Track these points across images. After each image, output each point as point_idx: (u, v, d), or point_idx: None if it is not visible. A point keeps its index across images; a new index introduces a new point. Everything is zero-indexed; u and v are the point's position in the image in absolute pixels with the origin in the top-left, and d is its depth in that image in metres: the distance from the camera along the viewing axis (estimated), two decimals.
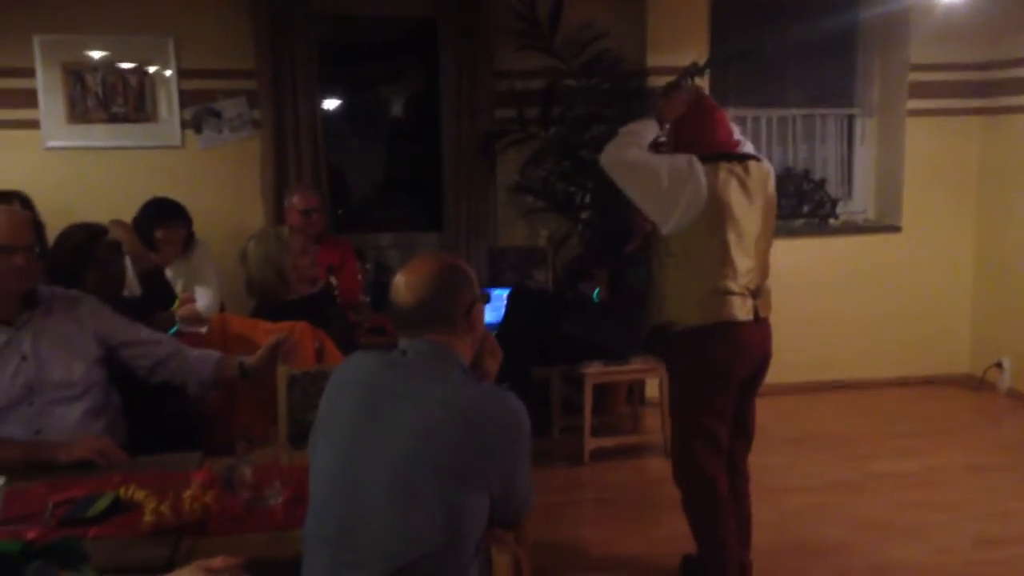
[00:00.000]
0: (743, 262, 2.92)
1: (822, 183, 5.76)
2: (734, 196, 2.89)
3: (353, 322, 3.96)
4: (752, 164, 2.99)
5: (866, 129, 5.86)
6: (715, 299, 2.91)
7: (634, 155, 2.95)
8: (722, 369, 2.96)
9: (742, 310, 2.92)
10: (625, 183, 2.97)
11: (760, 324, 2.99)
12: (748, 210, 2.92)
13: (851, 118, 5.87)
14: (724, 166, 2.90)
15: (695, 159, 2.88)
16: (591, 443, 4.50)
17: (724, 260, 2.90)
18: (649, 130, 3.04)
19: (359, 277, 4.47)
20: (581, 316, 4.56)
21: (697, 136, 2.99)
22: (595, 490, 4.29)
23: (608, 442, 4.63)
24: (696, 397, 3.02)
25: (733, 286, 2.91)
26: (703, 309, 2.93)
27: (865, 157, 5.88)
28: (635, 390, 5.11)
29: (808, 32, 5.51)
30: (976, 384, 5.68)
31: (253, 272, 3.16)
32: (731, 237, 2.89)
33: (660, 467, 4.53)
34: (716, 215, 2.87)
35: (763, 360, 3.06)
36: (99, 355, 2.64)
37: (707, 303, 2.92)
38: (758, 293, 2.98)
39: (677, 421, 3.12)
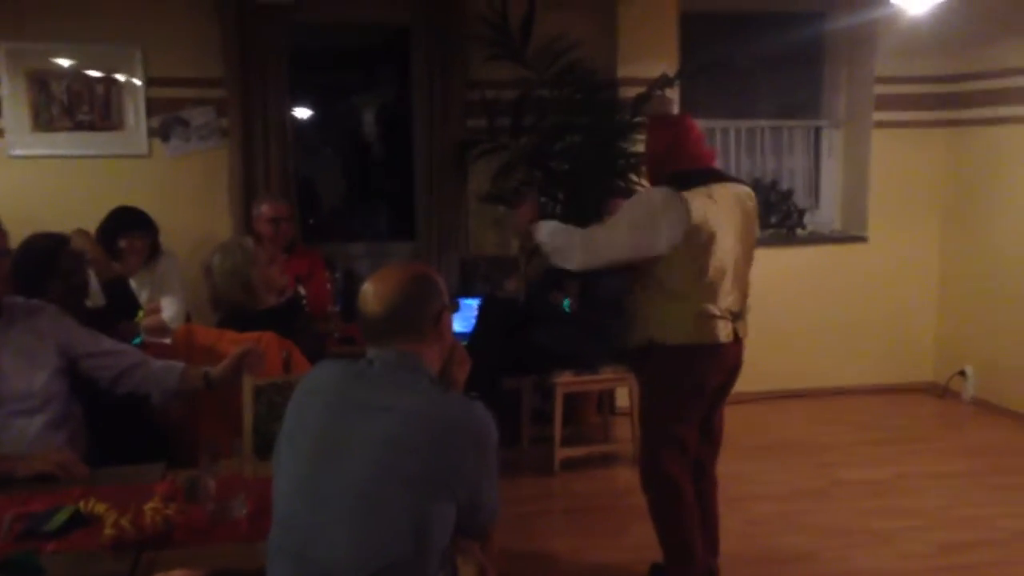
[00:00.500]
0: (723, 286, 2.95)
1: (790, 194, 5.81)
2: (713, 220, 2.90)
3: (323, 332, 3.94)
4: (729, 186, 3.02)
5: (833, 141, 5.93)
6: (697, 322, 2.94)
7: (590, 240, 3.05)
8: (698, 383, 3.01)
9: (723, 332, 2.96)
10: (606, 257, 3.03)
11: (737, 342, 3.04)
12: (727, 234, 2.94)
13: (818, 130, 5.94)
14: (702, 191, 2.91)
15: (668, 193, 2.89)
16: (561, 453, 4.50)
17: (705, 285, 2.92)
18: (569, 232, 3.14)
19: (328, 287, 4.45)
20: (552, 326, 4.56)
21: (670, 153, 3.02)
22: (565, 500, 4.29)
23: (578, 452, 4.63)
24: (669, 408, 3.06)
25: (714, 310, 2.94)
26: (684, 331, 2.96)
27: (832, 168, 5.95)
28: (605, 400, 5.12)
29: (776, 45, 5.58)
30: (940, 392, 5.76)
31: (219, 285, 3.12)
32: (712, 262, 2.91)
33: (630, 476, 4.52)
34: (696, 241, 2.88)
35: (734, 370, 3.11)
36: (60, 366, 2.61)
37: (689, 326, 2.95)
38: (739, 316, 3.02)
39: (647, 429, 3.15)
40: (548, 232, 3.17)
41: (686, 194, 2.87)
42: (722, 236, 2.92)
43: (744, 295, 3.07)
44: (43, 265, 2.98)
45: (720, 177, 3.06)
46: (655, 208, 2.90)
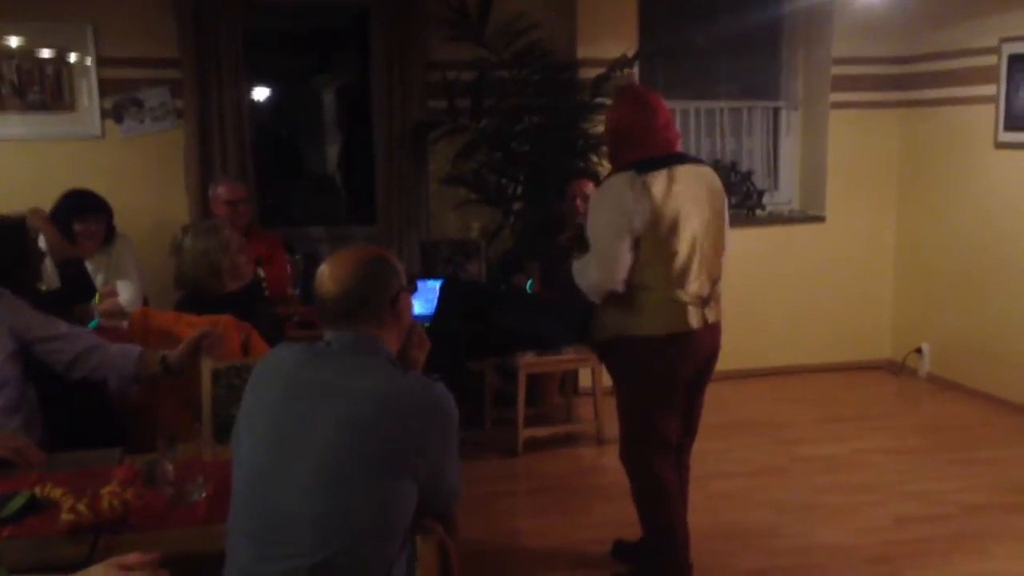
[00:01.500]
0: (691, 271, 2.90)
1: (749, 175, 5.86)
2: (676, 204, 2.84)
3: (282, 315, 3.90)
4: (691, 167, 2.96)
5: (791, 121, 5.98)
6: (666, 310, 2.90)
7: (594, 265, 2.96)
8: (671, 373, 2.97)
9: (694, 319, 2.92)
10: (617, 269, 2.92)
11: (710, 328, 2.99)
12: (690, 216, 2.88)
13: (776, 111, 5.99)
14: (663, 173, 2.84)
15: (630, 179, 2.83)
16: (524, 433, 4.51)
17: (672, 271, 2.88)
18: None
19: (288, 269, 4.41)
20: (514, 308, 4.56)
21: (634, 132, 2.94)
22: (529, 480, 4.31)
23: (541, 432, 4.65)
24: (644, 400, 3.03)
25: (683, 296, 2.90)
26: (654, 320, 2.91)
27: (790, 149, 6.01)
28: (568, 380, 5.14)
29: (736, 26, 5.60)
30: (897, 369, 5.86)
31: (187, 266, 3.07)
32: (678, 247, 2.86)
33: (593, 455, 4.57)
34: (660, 227, 2.83)
35: (710, 359, 3.08)
36: (14, 350, 2.56)
37: (658, 314, 2.90)
38: (707, 301, 2.97)
39: (624, 423, 3.11)
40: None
41: (647, 178, 2.82)
42: (686, 219, 2.86)
43: (713, 279, 2.99)
44: (18, 251, 2.91)
45: (682, 159, 2.99)
46: (624, 200, 2.83)
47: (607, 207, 2.90)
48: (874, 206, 5.84)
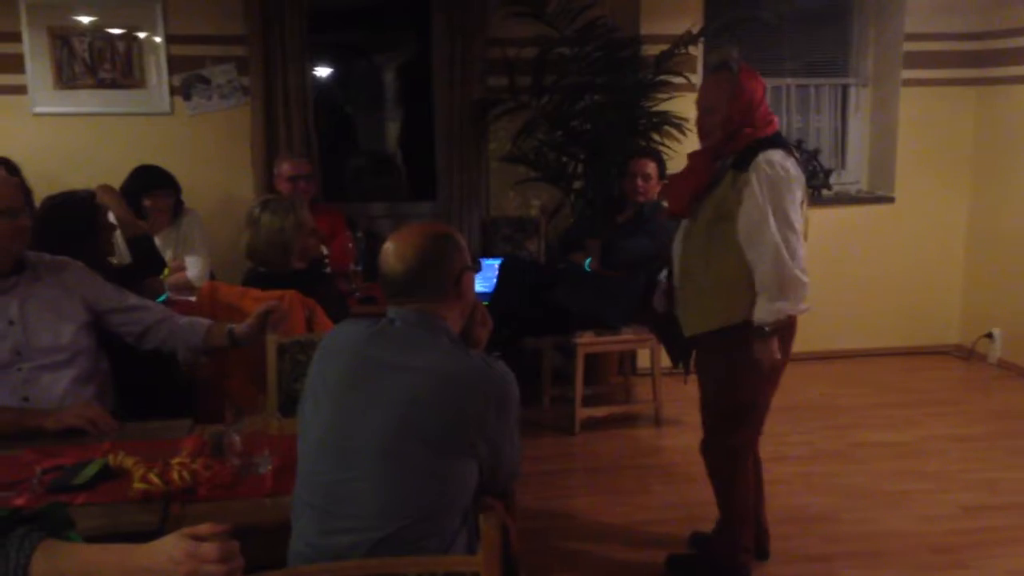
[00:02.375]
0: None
1: (816, 154, 5.74)
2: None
3: (344, 291, 3.95)
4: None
5: (860, 99, 5.83)
6: (804, 289, 2.78)
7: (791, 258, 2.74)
8: (786, 353, 2.89)
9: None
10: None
11: None
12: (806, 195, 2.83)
13: (845, 88, 5.84)
14: (792, 151, 2.80)
15: (788, 157, 2.74)
16: (582, 413, 4.51)
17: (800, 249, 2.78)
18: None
19: (350, 246, 4.45)
20: (573, 286, 4.56)
21: (763, 108, 2.80)
22: (585, 460, 4.31)
23: (599, 412, 4.64)
24: (762, 389, 2.91)
25: (805, 276, 2.81)
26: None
27: (859, 127, 5.86)
28: (626, 360, 5.12)
29: (804, 1, 5.46)
30: (966, 354, 5.71)
31: (260, 241, 3.10)
32: (804, 226, 2.79)
33: (651, 436, 4.55)
34: (803, 199, 2.78)
35: None
36: (87, 320, 2.63)
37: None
38: None
39: (728, 414, 2.97)
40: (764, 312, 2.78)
41: (788, 152, 2.77)
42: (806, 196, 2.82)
43: None
44: (85, 224, 3.00)
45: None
46: (798, 177, 2.73)
47: (782, 184, 2.71)
48: (945, 187, 5.68)
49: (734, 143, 2.81)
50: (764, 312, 2.75)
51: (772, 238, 2.70)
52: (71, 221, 3.00)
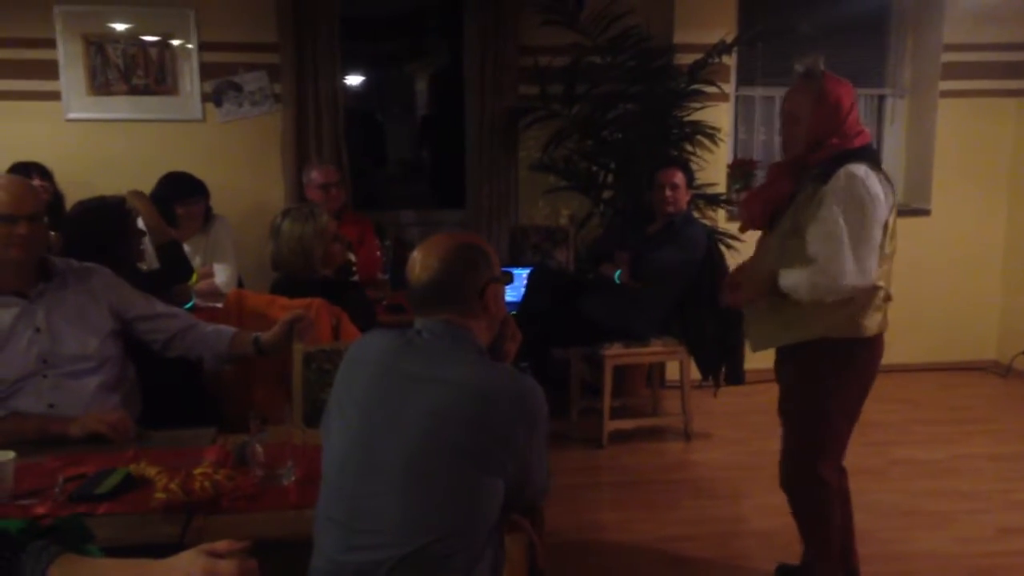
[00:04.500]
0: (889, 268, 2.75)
1: None
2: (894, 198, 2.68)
3: (372, 299, 3.93)
4: None
5: (897, 110, 5.74)
6: (882, 309, 2.72)
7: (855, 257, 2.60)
8: (873, 375, 2.83)
9: (886, 318, 2.77)
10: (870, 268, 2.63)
11: None
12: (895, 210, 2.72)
13: (882, 99, 5.75)
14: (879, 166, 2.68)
15: (874, 172, 2.60)
16: (610, 425, 4.45)
17: (887, 269, 2.71)
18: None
19: (378, 254, 4.44)
20: (602, 297, 4.51)
21: (852, 118, 2.68)
22: (613, 473, 4.25)
23: (627, 424, 4.58)
24: (847, 410, 2.83)
25: (889, 293, 2.75)
26: (877, 318, 2.72)
27: (895, 139, 5.77)
28: (655, 372, 5.06)
29: (840, 10, 5.39)
30: (1003, 371, 5.59)
31: (283, 249, 3.12)
32: (893, 244, 2.70)
33: (679, 450, 4.49)
34: (891, 222, 2.66)
35: None
36: (114, 328, 2.63)
37: (878, 313, 2.72)
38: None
39: (814, 436, 2.86)
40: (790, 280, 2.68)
41: (884, 168, 2.66)
42: (895, 211, 2.70)
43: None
44: (115, 229, 3.02)
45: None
46: (877, 192, 2.59)
47: (877, 200, 2.59)
48: (984, 200, 5.57)
49: (819, 154, 2.67)
50: (792, 280, 2.64)
51: (841, 248, 2.56)
52: (101, 225, 3.02)
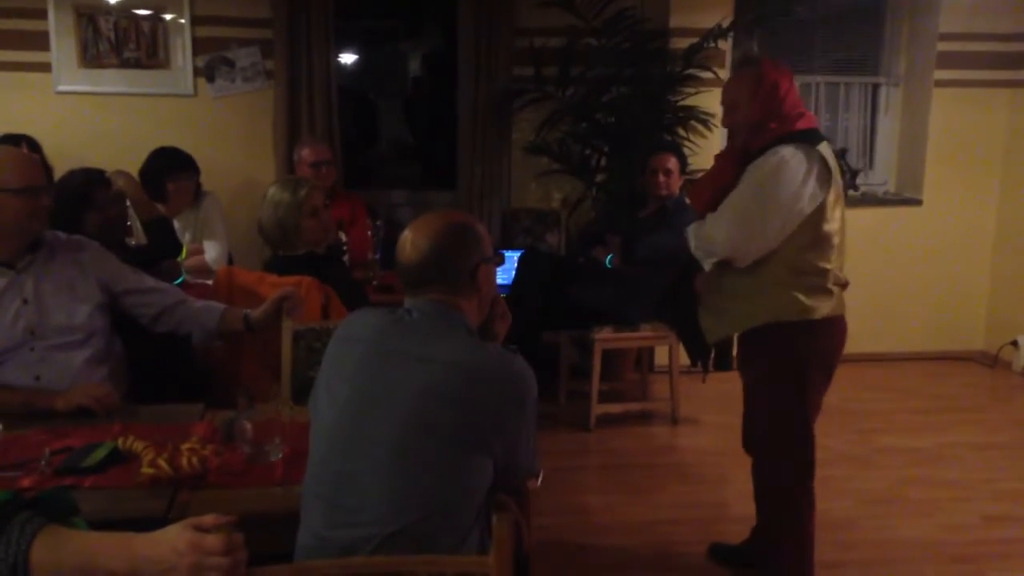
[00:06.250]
0: (840, 253, 2.74)
1: (843, 153, 5.65)
2: (838, 181, 2.66)
3: (362, 279, 3.92)
4: (828, 144, 2.74)
5: (890, 99, 5.74)
6: (828, 292, 2.71)
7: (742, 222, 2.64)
8: (831, 358, 2.79)
9: (841, 303, 2.77)
10: (757, 243, 2.65)
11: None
12: (841, 196, 2.70)
13: (875, 87, 5.75)
14: (827, 146, 2.66)
15: (807, 154, 2.58)
16: (598, 409, 4.46)
17: (831, 252, 2.69)
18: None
19: (369, 234, 4.42)
20: (593, 281, 4.51)
21: (790, 102, 2.66)
22: (600, 457, 4.27)
23: (615, 408, 4.59)
24: (806, 397, 2.78)
25: (839, 278, 2.74)
26: (823, 301, 2.69)
27: (888, 127, 5.77)
28: (644, 357, 5.07)
29: None
30: (990, 362, 5.62)
31: (263, 218, 3.09)
32: (839, 227, 2.68)
33: (666, 434, 4.51)
34: (831, 205, 2.63)
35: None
36: (102, 301, 2.61)
37: (825, 296, 2.70)
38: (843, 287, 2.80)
39: (782, 432, 2.81)
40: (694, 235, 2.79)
41: (822, 150, 2.62)
42: (840, 198, 2.68)
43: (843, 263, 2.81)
44: (79, 198, 2.98)
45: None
46: (798, 175, 2.57)
47: (784, 181, 2.58)
48: (975, 190, 5.58)
49: (758, 139, 2.67)
50: (689, 232, 2.79)
51: (724, 212, 2.64)
52: (65, 196, 2.95)
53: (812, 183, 2.59)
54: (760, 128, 2.67)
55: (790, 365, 2.75)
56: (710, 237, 2.71)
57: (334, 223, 3.43)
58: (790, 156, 2.58)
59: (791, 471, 2.82)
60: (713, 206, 2.80)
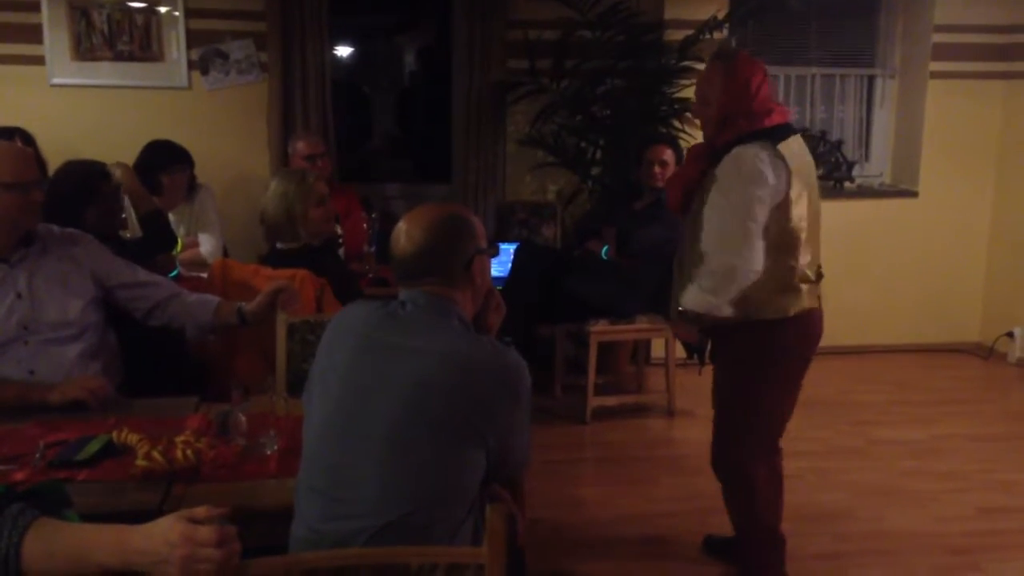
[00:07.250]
0: (812, 248, 2.70)
1: (839, 145, 5.65)
2: (804, 176, 2.63)
3: (356, 272, 3.91)
4: (799, 137, 2.73)
5: (886, 91, 5.74)
6: (796, 289, 2.68)
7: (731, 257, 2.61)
8: (801, 354, 2.78)
9: (814, 298, 2.74)
10: (752, 256, 2.61)
11: (819, 310, 2.81)
12: (813, 190, 2.68)
13: (871, 79, 5.75)
14: (792, 142, 2.63)
15: (769, 155, 2.54)
16: (594, 402, 4.46)
17: (799, 248, 2.65)
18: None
19: (364, 226, 4.41)
20: (588, 274, 4.51)
21: (759, 98, 2.63)
22: (596, 449, 4.27)
23: (611, 401, 4.60)
24: (775, 392, 2.80)
25: (808, 274, 2.71)
26: (792, 300, 2.67)
27: (884, 119, 5.77)
28: (640, 349, 5.07)
29: None
30: (986, 353, 5.63)
31: (268, 207, 3.10)
32: (806, 223, 2.64)
33: (662, 427, 4.51)
34: (794, 201, 2.60)
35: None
36: (96, 295, 2.60)
37: (793, 294, 2.68)
38: (819, 280, 2.78)
39: (743, 422, 2.85)
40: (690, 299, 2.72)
41: (783, 148, 2.58)
42: (811, 193, 2.66)
43: (818, 258, 2.79)
44: (80, 191, 2.98)
45: (796, 130, 2.76)
46: (764, 173, 2.54)
47: (745, 181, 2.57)
48: (970, 182, 5.58)
49: (725, 135, 2.64)
50: (690, 299, 2.69)
51: (721, 225, 2.60)
52: (66, 188, 2.95)
53: (766, 183, 2.55)
54: (728, 123, 2.65)
55: (762, 364, 2.75)
56: (715, 270, 2.63)
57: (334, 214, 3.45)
58: (755, 153, 2.56)
59: (749, 474, 2.86)
60: (683, 206, 2.80)
